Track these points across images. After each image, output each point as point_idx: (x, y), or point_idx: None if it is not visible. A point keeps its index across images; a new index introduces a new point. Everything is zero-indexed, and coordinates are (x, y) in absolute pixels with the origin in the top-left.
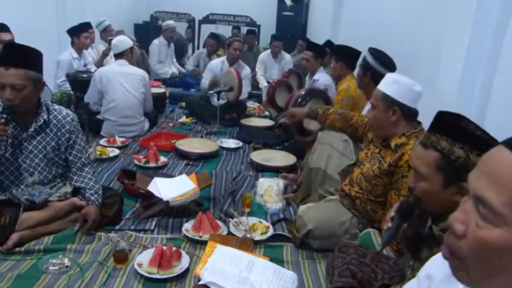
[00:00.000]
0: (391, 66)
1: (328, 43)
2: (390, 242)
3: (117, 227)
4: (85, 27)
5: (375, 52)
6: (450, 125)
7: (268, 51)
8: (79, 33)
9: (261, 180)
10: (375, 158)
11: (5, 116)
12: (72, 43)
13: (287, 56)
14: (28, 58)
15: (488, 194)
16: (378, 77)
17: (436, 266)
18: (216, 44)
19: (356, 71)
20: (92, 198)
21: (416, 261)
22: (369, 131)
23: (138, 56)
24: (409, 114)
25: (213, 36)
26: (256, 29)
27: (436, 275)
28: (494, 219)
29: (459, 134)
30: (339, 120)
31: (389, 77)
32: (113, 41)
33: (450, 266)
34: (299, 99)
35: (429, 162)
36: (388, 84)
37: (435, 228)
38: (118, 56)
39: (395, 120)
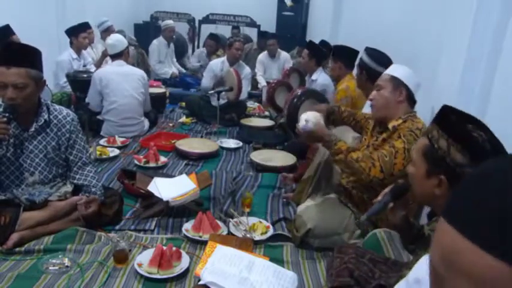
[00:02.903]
0: (386, 64)
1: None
2: (375, 215)
3: (117, 227)
4: (83, 27)
5: (370, 51)
6: (444, 117)
7: (266, 51)
8: (77, 33)
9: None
10: (372, 144)
11: (7, 114)
12: (71, 43)
13: (284, 54)
14: (28, 57)
15: (432, 257)
16: (373, 75)
17: (425, 269)
18: (215, 45)
19: (354, 71)
20: (99, 192)
21: (413, 259)
22: (368, 122)
23: (137, 56)
24: (412, 98)
25: (212, 37)
26: (257, 29)
27: (424, 278)
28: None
29: (447, 126)
30: (348, 116)
31: (394, 65)
32: (109, 41)
33: None
34: (294, 100)
35: (419, 147)
36: (395, 69)
37: (426, 227)
38: (116, 56)
39: (400, 100)
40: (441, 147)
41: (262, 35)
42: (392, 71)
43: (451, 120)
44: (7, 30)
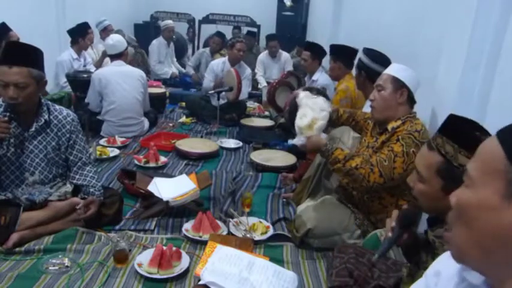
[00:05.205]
0: (385, 63)
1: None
2: (388, 251)
3: (117, 227)
4: (87, 28)
5: (368, 51)
6: (459, 130)
7: (266, 51)
8: (85, 34)
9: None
10: (371, 146)
11: (8, 114)
12: (73, 43)
13: (285, 55)
14: (30, 56)
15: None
16: (372, 75)
17: (444, 263)
18: (221, 43)
19: (353, 71)
20: (97, 193)
21: (412, 265)
22: (368, 123)
23: (137, 56)
24: (412, 99)
25: (219, 34)
26: (256, 30)
27: (444, 272)
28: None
29: (467, 142)
30: (347, 117)
31: (395, 65)
32: (109, 42)
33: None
34: (295, 97)
35: (430, 164)
36: (396, 70)
37: (430, 233)
38: (115, 56)
39: (401, 102)
40: (462, 165)
41: (250, 34)
42: (393, 71)
43: (464, 133)
44: (3, 27)
